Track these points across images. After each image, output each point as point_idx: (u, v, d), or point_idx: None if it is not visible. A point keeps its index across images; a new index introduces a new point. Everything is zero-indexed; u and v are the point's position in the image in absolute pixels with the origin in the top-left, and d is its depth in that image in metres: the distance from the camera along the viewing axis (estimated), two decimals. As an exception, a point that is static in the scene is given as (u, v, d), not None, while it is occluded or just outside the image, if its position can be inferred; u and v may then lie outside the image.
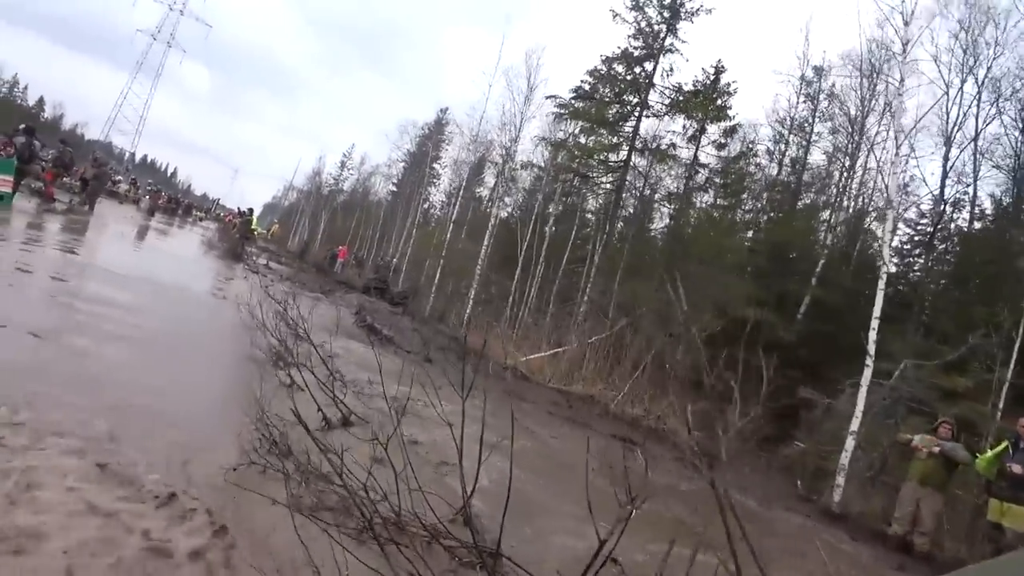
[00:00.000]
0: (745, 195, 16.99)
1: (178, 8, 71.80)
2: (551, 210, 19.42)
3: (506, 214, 21.24)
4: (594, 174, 15.84)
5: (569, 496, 4.49)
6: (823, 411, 10.87)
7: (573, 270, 17.25)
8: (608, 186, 16.19)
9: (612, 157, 15.32)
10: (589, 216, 21.14)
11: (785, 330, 14.78)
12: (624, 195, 15.23)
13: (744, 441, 11.20)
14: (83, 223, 12.93)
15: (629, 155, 14.80)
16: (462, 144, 26.45)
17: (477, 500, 3.17)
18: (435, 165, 36.04)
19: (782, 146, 17.46)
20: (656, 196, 16.24)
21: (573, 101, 14.95)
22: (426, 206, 35.31)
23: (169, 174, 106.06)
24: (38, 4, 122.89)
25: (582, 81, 15.26)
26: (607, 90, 15.01)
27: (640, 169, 15.38)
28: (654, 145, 14.98)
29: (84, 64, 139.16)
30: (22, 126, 12.88)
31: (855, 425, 8.70)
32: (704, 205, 17.20)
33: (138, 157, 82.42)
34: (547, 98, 14.82)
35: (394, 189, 39.22)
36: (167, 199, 32.06)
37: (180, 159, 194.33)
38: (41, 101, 71.56)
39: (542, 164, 17.35)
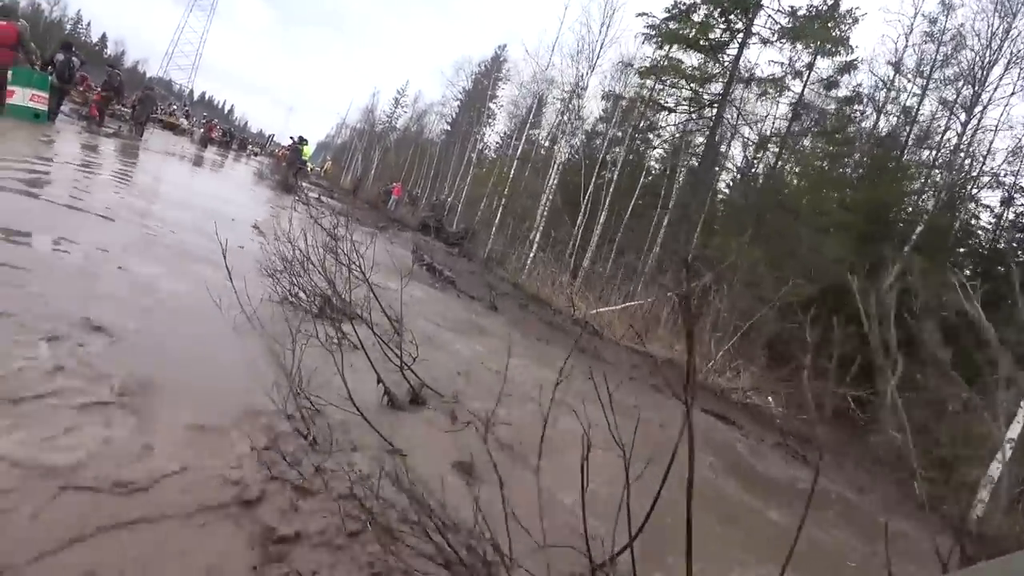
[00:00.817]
0: (849, 145, 14.63)
1: None
2: (618, 151, 17.51)
3: (567, 155, 19.41)
4: (685, 108, 13.79)
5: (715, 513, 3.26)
6: (960, 405, 9.05)
7: (644, 214, 15.47)
8: (694, 123, 14.14)
9: (708, 90, 13.20)
10: (655, 164, 19.13)
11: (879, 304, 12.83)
12: (717, 134, 13.18)
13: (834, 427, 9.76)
14: (130, 148, 12.10)
15: (728, 86, 12.66)
16: (522, 80, 24.44)
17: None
18: (491, 104, 34.36)
19: (888, 93, 14.83)
20: (752, 137, 14.08)
21: (667, 22, 12.80)
22: (480, 146, 33.97)
23: (226, 111, 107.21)
24: None
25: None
26: (708, 9, 12.77)
27: (736, 105, 13.22)
28: (759, 76, 12.77)
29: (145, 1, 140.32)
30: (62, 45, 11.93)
31: (1015, 431, 7.00)
32: (803, 151, 14.93)
33: (196, 94, 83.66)
34: (638, 15, 12.70)
35: (448, 128, 37.68)
36: (221, 132, 31.44)
37: (237, 97, 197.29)
38: (104, 38, 72.97)
39: (624, 93, 15.25)
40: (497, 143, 35.22)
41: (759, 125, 14.20)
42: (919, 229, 13.12)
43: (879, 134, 15.06)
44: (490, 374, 4.48)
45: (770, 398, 9.88)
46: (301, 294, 3.90)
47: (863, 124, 15.03)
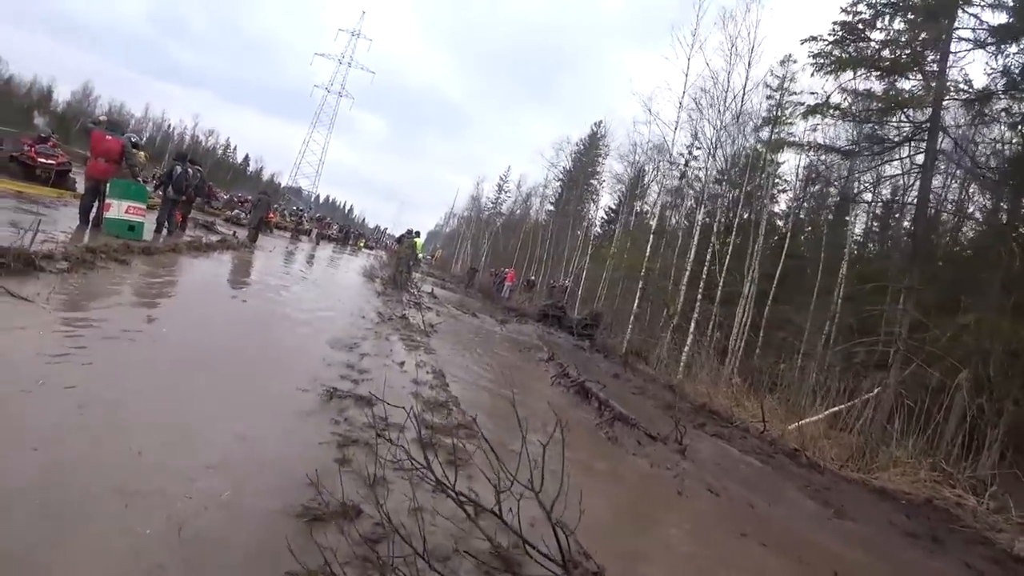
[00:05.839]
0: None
1: (346, 61, 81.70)
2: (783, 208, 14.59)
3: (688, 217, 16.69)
4: (871, 147, 10.74)
5: None
6: None
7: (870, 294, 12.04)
8: (893, 165, 10.98)
9: (906, 118, 10.12)
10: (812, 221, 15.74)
11: None
12: (933, 170, 9.91)
13: None
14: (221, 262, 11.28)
15: (936, 109, 9.55)
16: (644, 149, 22.55)
17: None
18: (592, 180, 33.26)
19: None
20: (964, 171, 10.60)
21: (838, 45, 10.17)
22: (585, 224, 32.58)
23: (346, 210, 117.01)
24: (253, 82, 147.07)
25: (842, 19, 10.42)
26: (888, 23, 10.05)
27: (951, 132, 9.96)
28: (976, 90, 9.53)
29: (278, 124, 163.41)
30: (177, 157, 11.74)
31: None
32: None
33: (322, 198, 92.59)
34: (803, 42, 10.21)
35: (552, 208, 36.75)
36: (338, 228, 32.45)
37: (356, 197, 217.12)
38: (247, 158, 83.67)
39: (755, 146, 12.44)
40: (603, 218, 33.64)
41: (975, 153, 10.71)
42: None
43: None
44: None
45: None
46: None
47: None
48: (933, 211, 11.49)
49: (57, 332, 3.57)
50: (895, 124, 10.48)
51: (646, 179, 25.72)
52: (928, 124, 9.69)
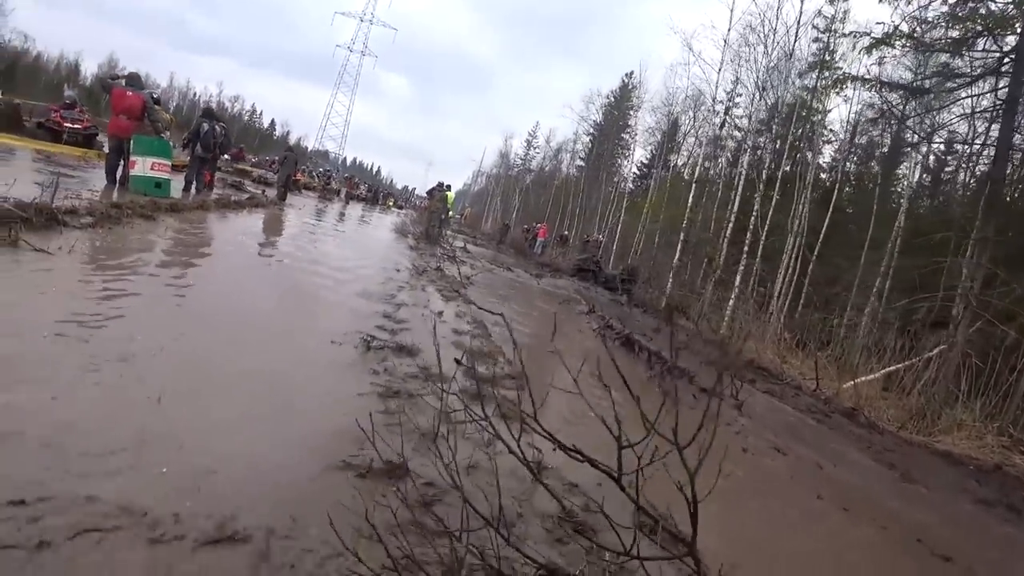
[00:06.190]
0: None
1: (368, 19, 79.84)
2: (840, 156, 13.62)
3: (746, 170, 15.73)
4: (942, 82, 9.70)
5: None
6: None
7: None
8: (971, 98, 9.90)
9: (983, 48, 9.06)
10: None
11: None
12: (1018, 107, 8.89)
13: None
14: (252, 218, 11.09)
15: (1024, 36, 8.49)
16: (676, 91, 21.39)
17: None
18: (623, 135, 32.02)
19: None
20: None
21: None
22: (616, 179, 31.54)
23: (374, 172, 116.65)
24: (275, 47, 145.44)
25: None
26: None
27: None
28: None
29: (303, 88, 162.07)
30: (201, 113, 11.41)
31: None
32: None
33: (348, 161, 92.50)
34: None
35: (581, 163, 35.67)
36: (367, 187, 32.16)
37: (383, 159, 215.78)
38: (272, 123, 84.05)
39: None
40: (635, 173, 32.53)
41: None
42: None
43: None
44: None
45: None
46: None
47: None
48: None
49: (79, 285, 3.37)
50: (973, 56, 9.41)
51: (682, 131, 24.62)
52: (1016, 53, 8.66)
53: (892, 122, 12.93)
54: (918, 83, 10.83)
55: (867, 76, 10.71)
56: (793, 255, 13.96)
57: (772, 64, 14.52)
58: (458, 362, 3.40)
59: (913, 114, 10.62)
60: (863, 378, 8.46)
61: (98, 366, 2.31)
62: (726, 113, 19.84)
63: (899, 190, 15.63)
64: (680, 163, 24.16)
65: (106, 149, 9.00)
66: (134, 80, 8.47)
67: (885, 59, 10.08)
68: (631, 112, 31.05)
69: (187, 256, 5.18)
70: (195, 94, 71.08)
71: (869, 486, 4.60)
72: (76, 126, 12.53)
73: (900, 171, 16.59)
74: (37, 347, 2.35)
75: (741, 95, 19.12)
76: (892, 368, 8.94)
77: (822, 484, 3.93)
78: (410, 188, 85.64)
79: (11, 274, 3.21)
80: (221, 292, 4.24)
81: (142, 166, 7.83)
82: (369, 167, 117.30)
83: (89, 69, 58.70)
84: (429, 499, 1.90)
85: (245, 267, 5.64)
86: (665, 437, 1.13)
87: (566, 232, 25.72)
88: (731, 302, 11.91)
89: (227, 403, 2.34)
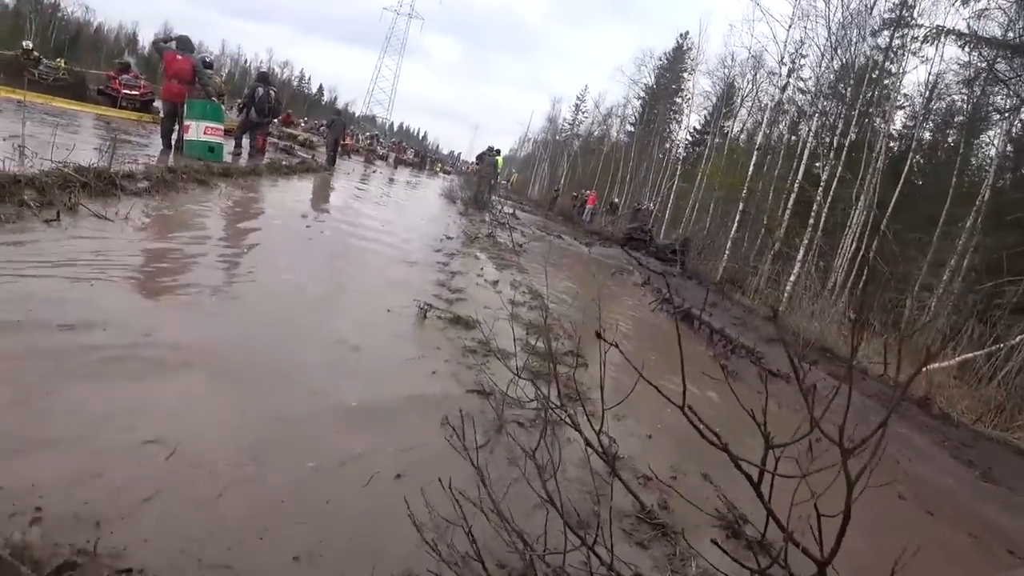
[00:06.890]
0: None
1: None
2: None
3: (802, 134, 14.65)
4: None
5: None
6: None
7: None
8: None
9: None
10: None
11: None
12: None
13: None
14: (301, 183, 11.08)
15: None
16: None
17: None
18: (676, 99, 30.41)
19: None
20: None
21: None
22: (668, 145, 30.14)
23: (420, 136, 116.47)
24: (323, 12, 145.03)
25: None
26: None
27: None
28: None
29: (351, 52, 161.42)
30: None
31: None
32: None
33: (395, 125, 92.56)
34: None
35: (631, 129, 34.29)
36: (414, 153, 32.09)
37: (430, 124, 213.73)
38: (320, 88, 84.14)
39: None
40: (687, 140, 31.08)
41: None
42: None
43: None
44: None
45: None
46: None
47: None
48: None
49: (137, 252, 3.37)
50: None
51: (740, 94, 23.23)
52: None
53: (986, 85, 11.70)
54: (1019, 39, 9.68)
55: (962, 31, 9.62)
56: (858, 230, 13.10)
57: (849, 20, 13.34)
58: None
59: (1014, 75, 9.50)
60: (935, 364, 7.89)
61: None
62: (790, 75, 18.57)
63: (979, 162, 14.30)
64: (736, 129, 22.94)
65: (161, 114, 9.11)
66: (184, 43, 8.43)
67: (988, 11, 9.00)
68: (685, 75, 29.54)
69: (241, 225, 5.19)
70: (246, 61, 72.31)
71: (949, 486, 4.28)
72: (133, 92, 12.81)
73: (996, 134, 15.10)
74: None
75: (807, 56, 17.82)
76: (969, 355, 8.31)
77: (901, 482, 3.66)
78: (456, 153, 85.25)
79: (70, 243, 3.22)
80: (280, 260, 4.21)
81: (196, 130, 7.89)
82: (416, 132, 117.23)
83: (146, 38, 60.33)
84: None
85: (303, 233, 5.63)
86: (831, 438, 0.93)
87: (616, 200, 25.01)
88: (792, 277, 11.27)
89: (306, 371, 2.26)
